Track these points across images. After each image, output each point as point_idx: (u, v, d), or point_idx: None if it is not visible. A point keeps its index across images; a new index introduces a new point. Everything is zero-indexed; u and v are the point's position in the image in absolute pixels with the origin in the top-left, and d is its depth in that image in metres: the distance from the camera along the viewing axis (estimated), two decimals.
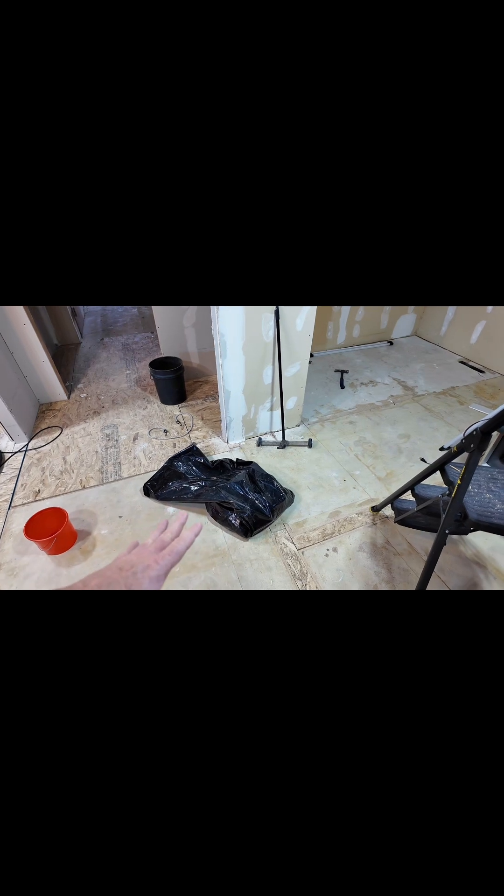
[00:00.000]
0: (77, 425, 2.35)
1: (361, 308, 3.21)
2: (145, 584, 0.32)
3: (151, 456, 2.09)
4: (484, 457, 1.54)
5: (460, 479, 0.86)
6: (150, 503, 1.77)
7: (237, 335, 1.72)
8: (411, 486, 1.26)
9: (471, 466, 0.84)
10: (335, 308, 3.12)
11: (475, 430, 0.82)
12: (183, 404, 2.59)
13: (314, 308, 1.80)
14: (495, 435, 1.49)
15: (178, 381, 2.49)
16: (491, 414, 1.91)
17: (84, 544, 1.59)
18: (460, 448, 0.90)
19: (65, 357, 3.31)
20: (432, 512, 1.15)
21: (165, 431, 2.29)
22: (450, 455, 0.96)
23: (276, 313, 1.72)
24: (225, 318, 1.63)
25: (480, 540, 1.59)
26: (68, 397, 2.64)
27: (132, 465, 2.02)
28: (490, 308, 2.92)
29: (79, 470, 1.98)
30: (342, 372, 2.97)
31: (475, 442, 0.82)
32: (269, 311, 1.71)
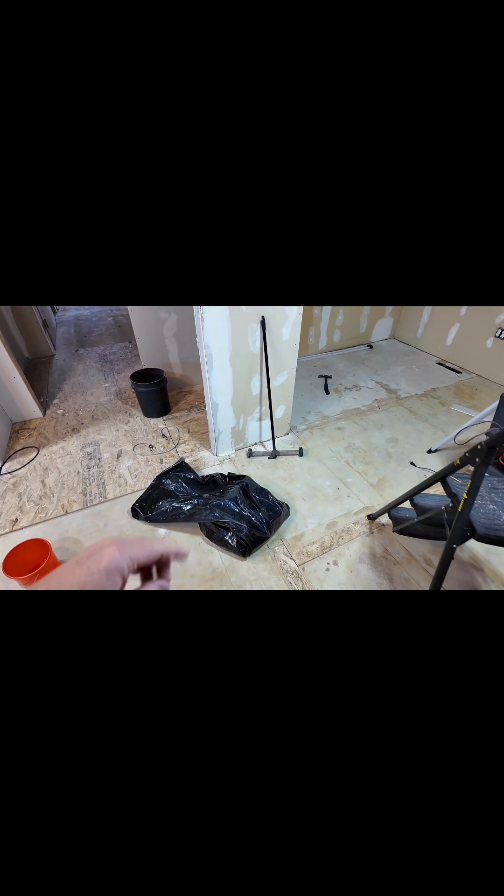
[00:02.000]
0: (55, 444, 2.21)
1: (341, 312, 3.24)
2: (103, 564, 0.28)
3: (138, 474, 1.99)
4: None
5: (466, 494, 0.85)
6: (140, 525, 1.68)
7: (223, 347, 1.67)
8: (410, 496, 1.25)
9: (477, 481, 0.83)
10: (315, 313, 3.13)
11: (480, 444, 0.81)
12: (167, 416, 2.51)
13: (300, 317, 1.78)
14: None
15: (161, 393, 2.40)
16: (477, 417, 1.95)
17: None
18: (463, 461, 0.89)
19: (37, 371, 3.13)
20: (433, 522, 1.14)
21: (151, 447, 2.20)
22: (452, 467, 0.95)
23: (263, 323, 1.68)
24: (210, 330, 1.57)
25: (476, 542, 1.61)
26: (44, 414, 2.49)
27: (117, 484, 1.92)
28: (463, 310, 3.03)
29: (59, 493, 1.85)
30: (326, 377, 2.98)
31: (480, 456, 0.82)
32: (254, 321, 1.67)
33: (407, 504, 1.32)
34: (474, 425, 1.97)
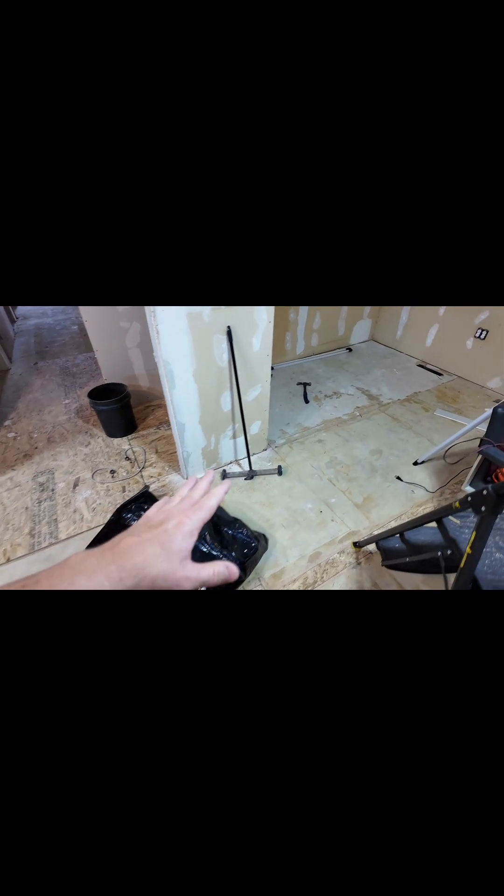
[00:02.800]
0: (2, 475, 1.95)
1: (318, 316, 3.10)
2: (178, 541, 0.30)
3: (96, 507, 1.76)
4: (466, 481, 1.42)
5: (470, 548, 0.69)
6: None
7: (185, 361, 1.47)
8: (401, 531, 1.10)
9: (483, 532, 0.68)
10: (291, 317, 2.98)
11: (487, 490, 0.66)
12: (133, 435, 2.28)
13: (271, 325, 1.61)
14: (478, 459, 1.38)
15: (124, 409, 2.18)
16: (463, 430, 1.83)
17: None
18: (464, 504, 0.74)
19: None
20: (429, 562, 0.99)
21: (112, 472, 1.97)
22: (449, 509, 0.80)
23: (229, 334, 1.50)
24: (168, 344, 1.37)
25: None
26: None
27: (72, 521, 1.69)
28: (442, 311, 2.94)
29: (2, 536, 1.60)
30: (305, 385, 2.82)
31: (488, 505, 0.66)
32: (220, 332, 1.48)
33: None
34: (461, 439, 1.85)
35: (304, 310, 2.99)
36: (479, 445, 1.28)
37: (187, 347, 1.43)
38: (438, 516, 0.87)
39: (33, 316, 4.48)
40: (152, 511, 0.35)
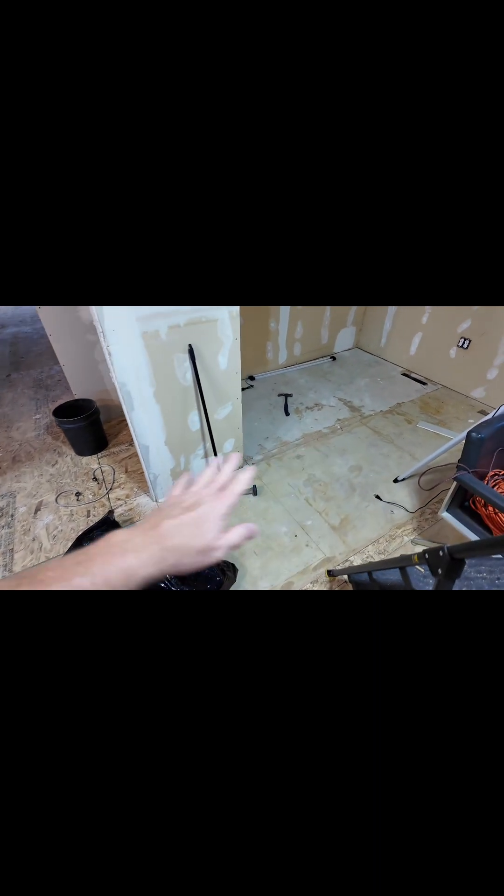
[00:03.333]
0: None
1: (300, 324, 3.03)
2: (212, 524, 0.32)
3: (57, 534, 1.66)
4: (443, 507, 1.35)
5: None
6: None
7: (143, 383, 1.38)
8: (369, 570, 1.02)
9: None
10: (272, 326, 2.90)
11: (443, 550, 0.58)
12: (103, 453, 2.18)
13: (237, 342, 1.52)
14: (453, 485, 1.31)
15: (92, 427, 2.08)
16: (436, 452, 1.74)
17: None
18: (421, 560, 0.66)
19: None
20: None
21: (78, 495, 1.87)
22: (408, 561, 0.72)
23: (191, 352, 1.41)
24: (122, 365, 1.28)
25: None
26: None
27: (29, 550, 1.58)
28: (425, 318, 2.89)
29: None
30: (286, 396, 2.75)
31: (443, 567, 0.58)
32: (181, 350, 1.39)
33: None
34: (439, 459, 1.78)
35: (284, 318, 2.92)
36: (456, 472, 1.21)
37: (145, 368, 1.34)
38: (401, 565, 0.79)
39: (10, 324, 4.35)
40: (178, 490, 0.37)
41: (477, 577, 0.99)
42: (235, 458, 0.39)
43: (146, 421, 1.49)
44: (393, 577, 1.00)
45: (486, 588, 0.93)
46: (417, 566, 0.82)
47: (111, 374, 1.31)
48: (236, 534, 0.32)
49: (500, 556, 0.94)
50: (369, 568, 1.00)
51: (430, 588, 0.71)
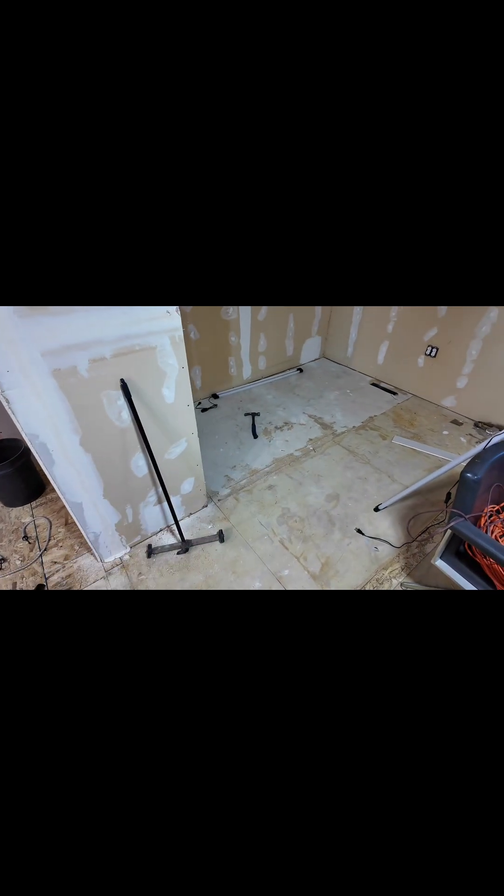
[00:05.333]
0: None
1: (262, 336, 2.82)
2: None
3: None
4: (436, 554, 1.16)
5: None
6: None
7: (63, 430, 1.08)
8: None
9: None
10: (232, 340, 2.67)
11: None
12: (39, 500, 1.83)
13: (185, 371, 1.27)
14: (447, 533, 1.12)
15: (21, 472, 1.72)
16: (416, 485, 1.58)
17: None
18: None
19: None
20: None
21: (3, 561, 1.51)
22: None
23: (125, 388, 1.13)
24: (29, 414, 0.98)
25: None
26: None
27: None
28: (390, 327, 2.78)
29: None
30: (253, 415, 2.52)
31: None
32: (112, 387, 1.11)
33: None
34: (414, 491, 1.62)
35: (245, 331, 2.70)
36: (448, 520, 1.02)
37: (63, 413, 1.05)
38: None
39: None
40: None
41: None
42: None
43: (74, 475, 1.19)
44: None
45: None
46: None
47: (16, 426, 1.00)
48: None
49: None
50: None
51: None
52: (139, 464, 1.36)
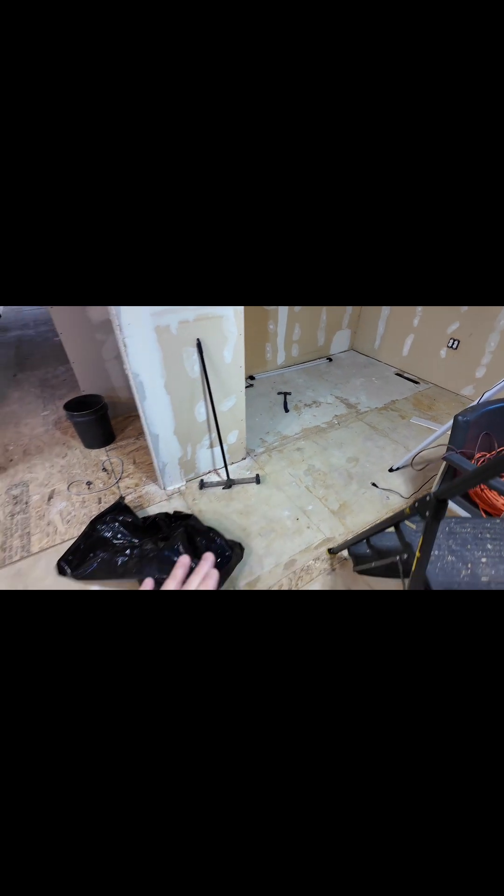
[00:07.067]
0: None
1: (297, 327, 3.16)
2: None
3: (71, 518, 1.74)
4: (435, 484, 1.45)
5: (419, 552, 0.72)
6: (69, 584, 1.44)
7: (155, 373, 1.48)
8: (367, 536, 1.12)
9: (429, 537, 0.70)
10: (271, 328, 3.03)
11: (429, 496, 0.68)
12: (111, 446, 2.27)
13: (241, 338, 1.64)
14: (443, 465, 1.42)
15: (101, 421, 2.17)
16: (429, 439, 1.88)
17: None
18: (412, 511, 0.76)
19: None
20: (391, 566, 1.01)
21: (89, 484, 1.96)
22: (402, 515, 0.82)
23: (199, 346, 1.52)
24: (136, 356, 1.39)
25: None
26: None
27: (45, 533, 1.66)
28: (416, 321, 3.04)
29: None
30: (285, 394, 2.86)
31: (430, 509, 0.68)
32: (189, 344, 1.51)
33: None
34: (430, 447, 1.90)
35: (282, 320, 3.05)
36: (445, 452, 1.32)
37: (157, 360, 1.45)
38: (395, 521, 0.89)
39: (14, 328, 4.45)
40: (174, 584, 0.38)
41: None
42: (210, 558, 0.42)
43: (157, 410, 1.59)
44: (389, 542, 1.10)
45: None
46: (408, 521, 0.92)
47: (125, 366, 1.42)
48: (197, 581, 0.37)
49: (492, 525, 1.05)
50: (366, 534, 1.09)
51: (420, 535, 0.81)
52: (200, 410, 1.75)
